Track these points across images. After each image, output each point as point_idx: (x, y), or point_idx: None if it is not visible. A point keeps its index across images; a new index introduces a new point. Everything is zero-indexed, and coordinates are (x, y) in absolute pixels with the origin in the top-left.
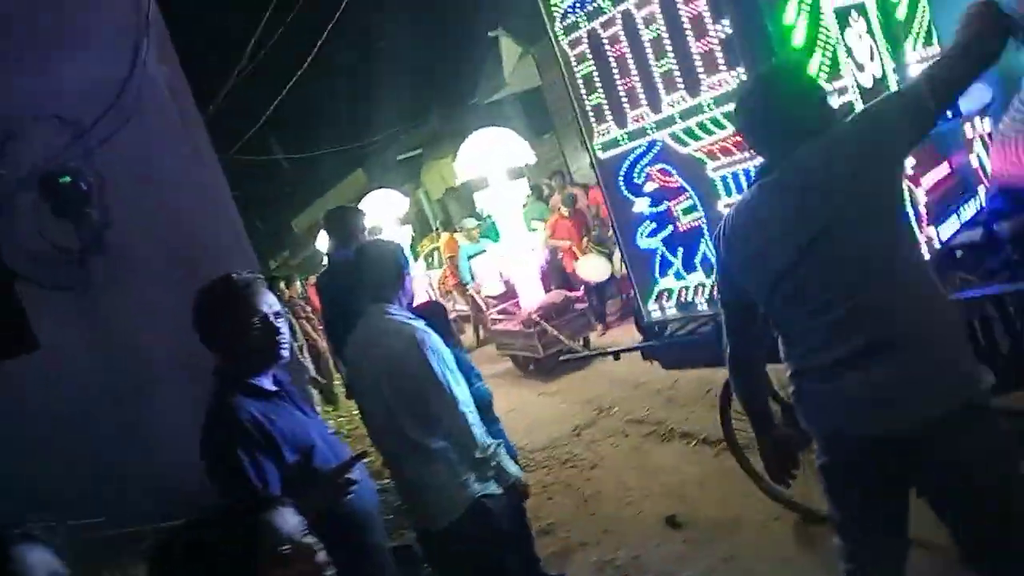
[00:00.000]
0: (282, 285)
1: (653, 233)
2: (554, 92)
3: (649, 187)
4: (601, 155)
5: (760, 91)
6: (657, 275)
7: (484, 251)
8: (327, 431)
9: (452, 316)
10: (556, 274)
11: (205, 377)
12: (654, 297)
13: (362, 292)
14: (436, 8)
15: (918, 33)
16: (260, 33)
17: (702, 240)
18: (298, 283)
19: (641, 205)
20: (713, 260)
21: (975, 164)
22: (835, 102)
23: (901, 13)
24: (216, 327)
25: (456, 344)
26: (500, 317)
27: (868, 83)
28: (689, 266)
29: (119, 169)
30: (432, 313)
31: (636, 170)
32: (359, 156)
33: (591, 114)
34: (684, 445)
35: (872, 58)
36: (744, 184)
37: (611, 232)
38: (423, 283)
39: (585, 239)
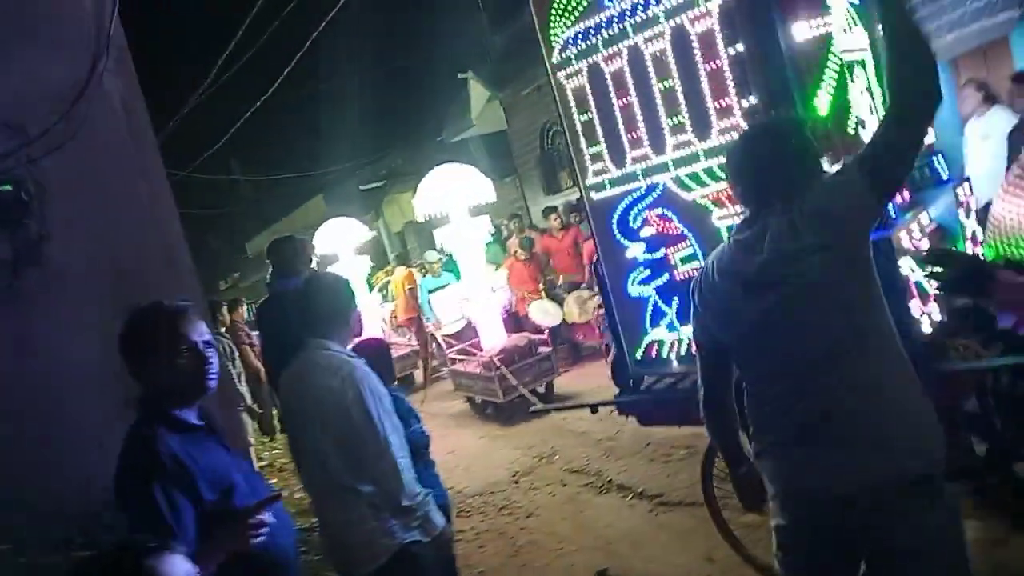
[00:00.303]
0: (224, 310)
1: (646, 280)
2: (519, 137)
3: (646, 232)
4: (594, 196)
5: (753, 144)
6: (648, 325)
7: (446, 286)
8: (250, 470)
9: (405, 351)
10: (513, 317)
11: (130, 403)
12: (643, 348)
13: (304, 325)
14: (409, 45)
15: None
16: (228, 54)
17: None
18: (245, 307)
19: (635, 250)
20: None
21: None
22: (828, 163)
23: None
24: (142, 355)
25: (395, 384)
26: (459, 357)
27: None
28: (684, 317)
29: (63, 181)
30: (373, 352)
31: (632, 213)
32: (320, 183)
33: (585, 152)
34: (620, 498)
35: (871, 113)
36: None
37: (562, 279)
38: (377, 315)
39: (540, 284)
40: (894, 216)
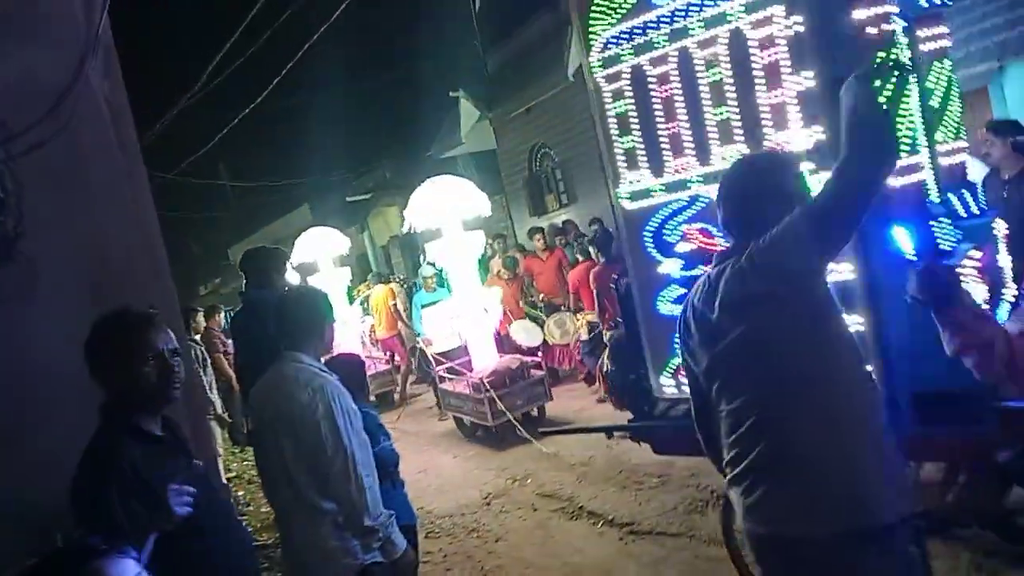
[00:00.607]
0: (200, 316)
1: (681, 299)
2: (507, 157)
3: (683, 247)
4: (627, 205)
5: (736, 173)
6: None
7: (439, 301)
8: (210, 484)
9: (383, 368)
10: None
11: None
12: (670, 371)
13: (278, 336)
14: (402, 60)
15: (948, 125)
16: (220, 59)
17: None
18: (222, 314)
19: (669, 266)
20: None
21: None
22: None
23: (935, 102)
24: (106, 361)
25: (367, 400)
26: (449, 376)
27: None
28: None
29: (43, 179)
30: (347, 367)
31: (669, 227)
32: (306, 193)
33: (620, 157)
34: (591, 525)
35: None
36: None
37: (543, 298)
38: (357, 330)
39: (521, 303)
40: (954, 245)
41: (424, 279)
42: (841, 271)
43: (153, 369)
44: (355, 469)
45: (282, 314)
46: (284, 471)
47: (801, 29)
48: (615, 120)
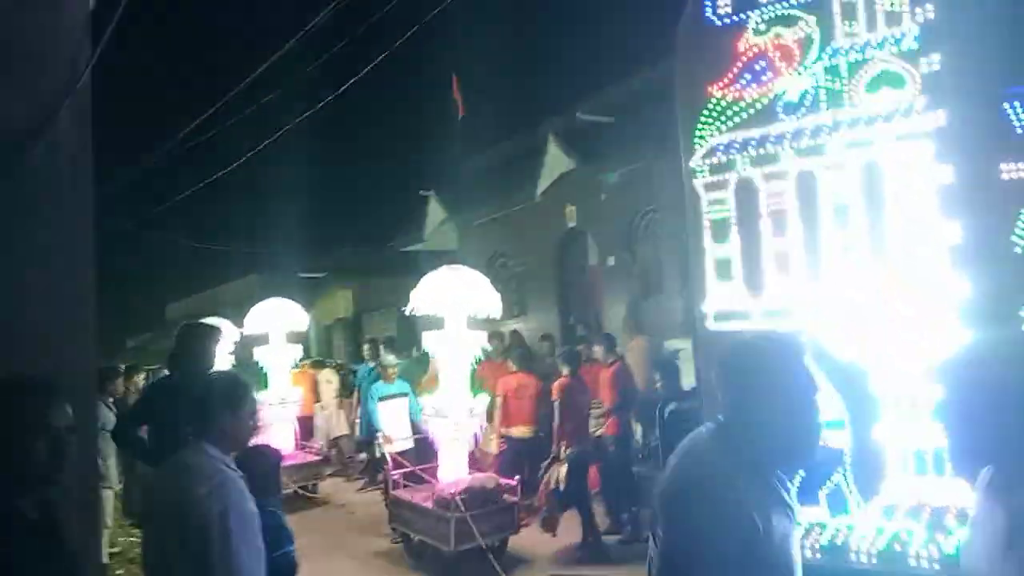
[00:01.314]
0: (119, 381)
1: None
2: (468, 260)
3: None
4: (710, 325)
5: (733, 354)
6: None
7: (402, 395)
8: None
9: (313, 459)
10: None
11: None
12: None
13: (189, 422)
14: (378, 152)
15: None
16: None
17: (839, 467)
18: (142, 375)
19: None
20: (846, 494)
21: None
22: None
23: None
24: None
25: (276, 497)
26: (407, 483)
27: None
28: (808, 495)
29: None
30: (257, 463)
31: None
32: (257, 261)
33: (710, 268)
34: None
35: None
36: None
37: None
38: (292, 414)
39: None
40: None
41: (385, 368)
42: None
43: (43, 447)
44: None
45: (198, 401)
46: (165, 565)
47: (947, 174)
48: (710, 226)
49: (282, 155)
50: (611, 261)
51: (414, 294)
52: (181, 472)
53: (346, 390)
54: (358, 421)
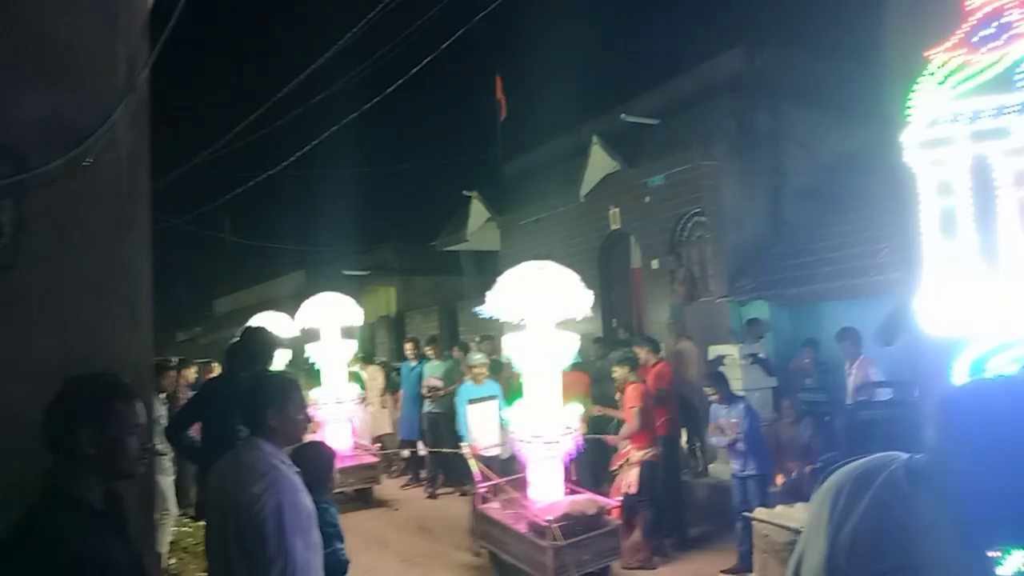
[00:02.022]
0: (170, 374)
1: None
2: (510, 261)
3: None
4: (932, 331)
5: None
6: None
7: (491, 398)
8: (141, 559)
9: (370, 460)
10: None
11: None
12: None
13: (243, 420)
14: (423, 152)
15: None
16: (246, 123)
17: None
18: (194, 369)
19: None
20: None
21: None
22: None
23: None
24: (67, 428)
25: (328, 496)
26: (496, 498)
27: None
28: None
29: (46, 216)
30: (310, 459)
31: (994, 362)
32: (304, 259)
33: (933, 262)
34: None
35: None
36: None
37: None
38: (347, 412)
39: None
40: None
41: (473, 368)
42: None
43: (115, 442)
44: (294, 573)
45: (248, 399)
46: (226, 561)
47: None
48: (938, 217)
49: (329, 155)
50: (655, 264)
51: (489, 295)
52: (236, 469)
53: (390, 388)
54: (399, 420)
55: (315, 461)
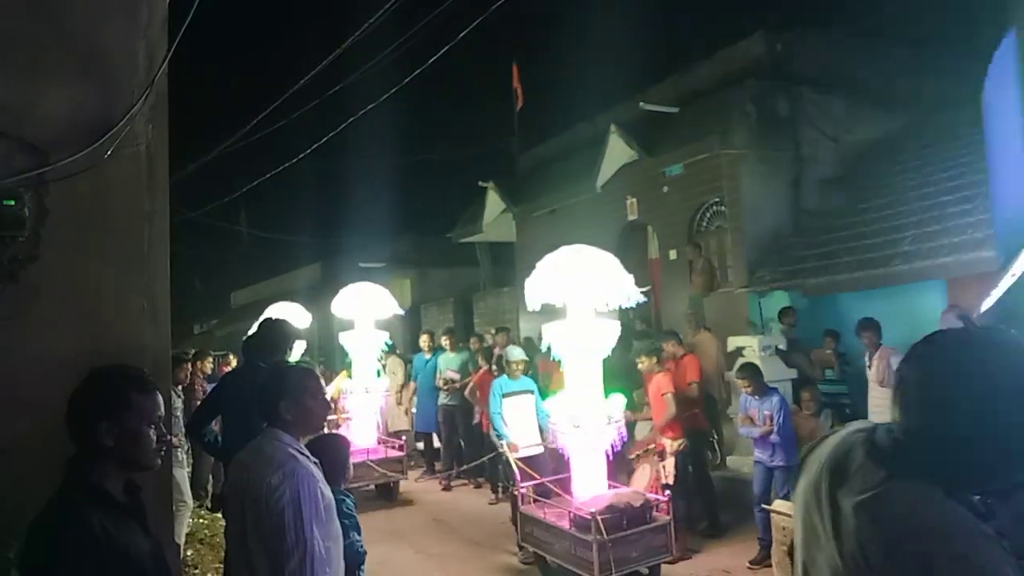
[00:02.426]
0: (187, 366)
1: None
2: (526, 252)
3: None
4: None
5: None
6: None
7: (527, 392)
8: (161, 549)
9: (398, 453)
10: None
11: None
12: None
13: (261, 411)
14: (438, 144)
15: None
16: (263, 116)
17: None
18: (209, 360)
19: None
20: None
21: None
22: None
23: None
24: (89, 419)
25: (345, 486)
26: (538, 498)
27: None
28: None
29: (67, 210)
30: (327, 449)
31: None
32: (319, 251)
33: None
34: None
35: None
36: None
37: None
38: (376, 406)
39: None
40: None
41: (510, 363)
42: None
43: (136, 435)
44: (312, 567)
45: (267, 389)
46: (245, 551)
47: None
48: None
49: (345, 147)
50: (673, 255)
51: (528, 284)
52: (255, 459)
53: (405, 380)
54: (414, 412)
55: (332, 452)
